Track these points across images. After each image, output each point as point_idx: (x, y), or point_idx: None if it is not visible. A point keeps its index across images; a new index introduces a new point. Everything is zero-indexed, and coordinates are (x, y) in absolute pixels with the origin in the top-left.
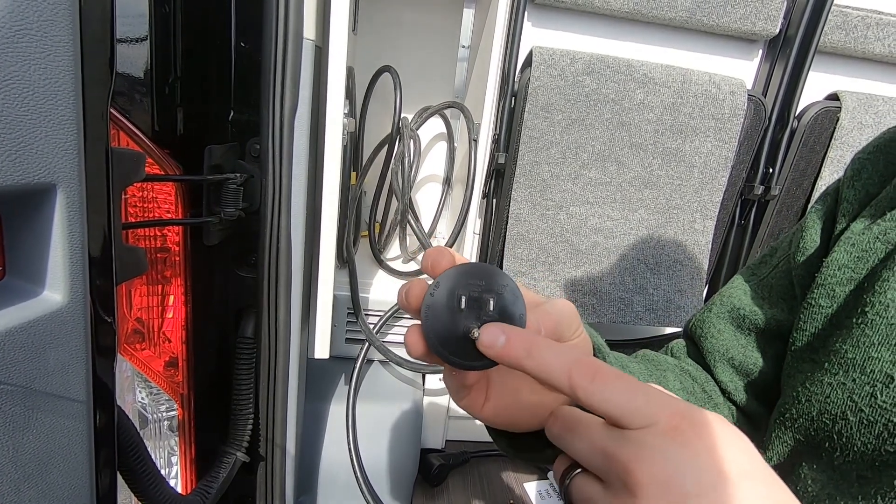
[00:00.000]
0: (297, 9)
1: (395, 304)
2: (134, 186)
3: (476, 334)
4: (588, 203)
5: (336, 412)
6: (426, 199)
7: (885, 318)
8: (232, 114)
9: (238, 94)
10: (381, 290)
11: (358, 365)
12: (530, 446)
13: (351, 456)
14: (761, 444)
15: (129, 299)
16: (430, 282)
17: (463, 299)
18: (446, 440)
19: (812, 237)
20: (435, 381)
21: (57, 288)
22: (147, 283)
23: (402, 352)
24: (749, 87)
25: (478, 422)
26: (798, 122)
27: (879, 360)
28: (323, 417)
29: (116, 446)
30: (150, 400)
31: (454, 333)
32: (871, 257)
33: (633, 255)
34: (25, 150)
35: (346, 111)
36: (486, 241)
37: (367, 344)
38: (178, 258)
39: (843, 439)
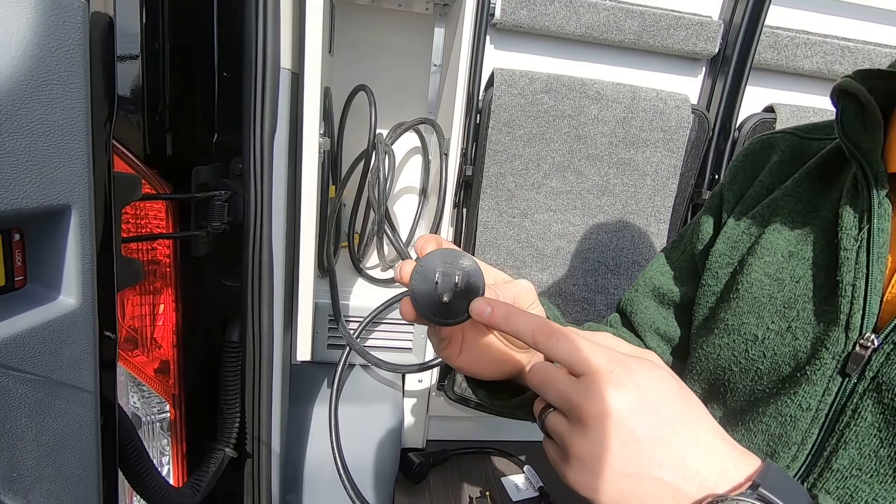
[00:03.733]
0: (274, 42)
1: (375, 310)
2: (129, 205)
3: (446, 299)
4: (551, 210)
5: (320, 414)
6: (404, 209)
7: (750, 293)
8: (216, 136)
9: (222, 118)
10: (361, 297)
11: (339, 369)
12: (502, 396)
13: (334, 455)
14: None
15: (122, 308)
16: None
17: (438, 274)
18: (427, 440)
19: (706, 230)
20: (414, 382)
21: (70, 293)
22: (139, 293)
23: (381, 354)
24: (694, 101)
25: (458, 421)
26: (739, 133)
27: (748, 324)
28: (307, 420)
29: (118, 433)
30: (142, 403)
31: (432, 299)
32: (741, 246)
33: (595, 257)
34: (47, 177)
35: (321, 131)
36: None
37: (348, 349)
38: (168, 269)
39: (731, 384)
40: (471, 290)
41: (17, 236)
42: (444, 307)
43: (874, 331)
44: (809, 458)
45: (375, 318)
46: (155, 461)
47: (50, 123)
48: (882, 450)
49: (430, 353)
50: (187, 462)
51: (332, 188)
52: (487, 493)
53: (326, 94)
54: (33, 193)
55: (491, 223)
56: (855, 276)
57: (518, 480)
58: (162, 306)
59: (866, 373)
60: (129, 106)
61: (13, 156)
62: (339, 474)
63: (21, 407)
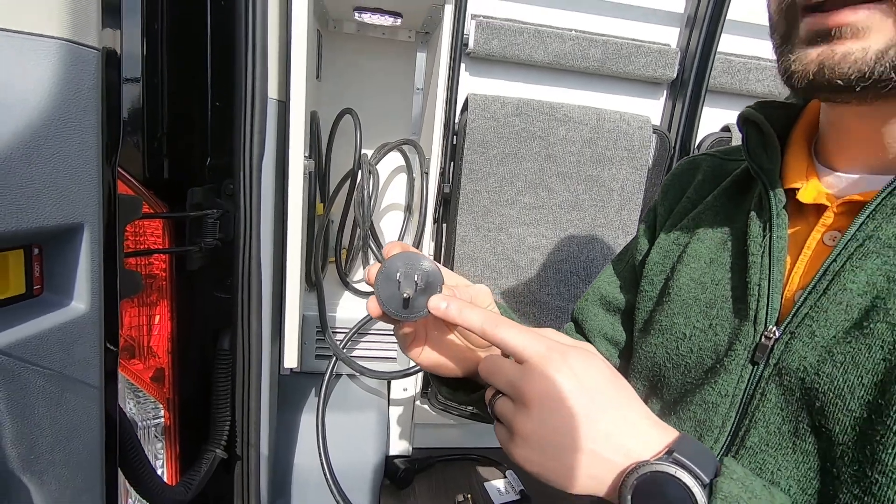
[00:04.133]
0: (262, 74)
1: (360, 321)
2: (131, 223)
3: (406, 295)
4: (524, 224)
5: (307, 422)
6: (390, 225)
7: (679, 296)
8: (209, 160)
9: (214, 144)
10: (348, 309)
11: (326, 378)
12: (462, 392)
13: (321, 461)
14: None
15: (121, 319)
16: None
17: (400, 274)
18: (413, 447)
19: (644, 241)
20: (399, 390)
21: (81, 300)
22: (137, 304)
23: (366, 364)
24: (657, 122)
25: (443, 429)
26: (698, 150)
27: (678, 324)
28: (295, 427)
29: (118, 427)
30: (138, 408)
31: (395, 297)
32: (672, 255)
33: (567, 268)
34: (64, 200)
35: (306, 154)
36: (437, 261)
37: (334, 359)
38: (164, 282)
39: (665, 379)
40: (430, 288)
41: (36, 251)
42: (406, 304)
43: (776, 324)
44: (728, 438)
45: (361, 329)
46: None
47: (67, 154)
48: (784, 426)
49: (413, 362)
50: (180, 464)
51: (320, 206)
52: (470, 495)
53: (314, 118)
54: (52, 214)
55: (469, 237)
56: (760, 277)
57: (500, 485)
58: (158, 317)
59: (770, 360)
60: (131, 133)
61: (37, 182)
62: (326, 479)
63: (39, 398)
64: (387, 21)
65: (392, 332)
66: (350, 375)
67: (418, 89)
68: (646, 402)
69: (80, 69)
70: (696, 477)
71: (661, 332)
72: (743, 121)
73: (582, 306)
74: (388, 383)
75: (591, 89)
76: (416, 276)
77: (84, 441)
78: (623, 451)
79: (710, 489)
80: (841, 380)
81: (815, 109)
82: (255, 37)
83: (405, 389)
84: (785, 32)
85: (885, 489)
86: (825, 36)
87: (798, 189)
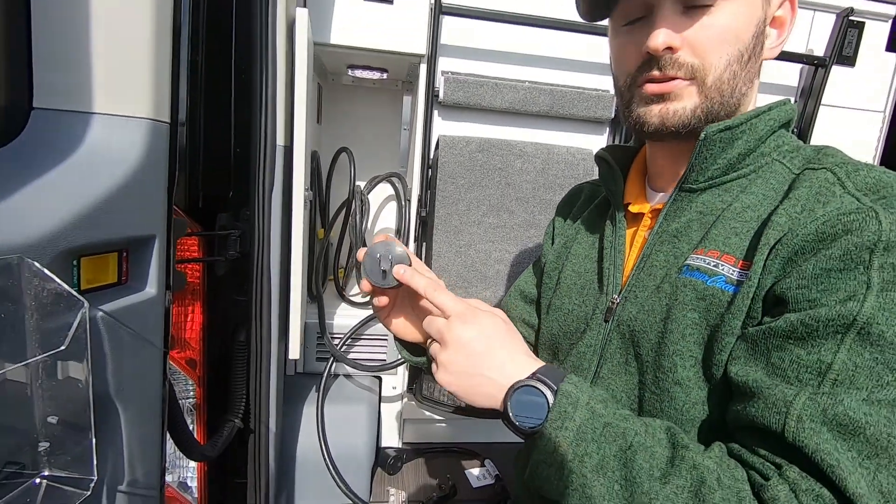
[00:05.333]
0: (272, 127)
1: (354, 327)
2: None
3: (383, 267)
4: (490, 241)
5: (308, 414)
6: None
7: (566, 283)
8: (231, 192)
9: (235, 180)
10: (344, 317)
11: (325, 377)
12: (419, 353)
13: (321, 447)
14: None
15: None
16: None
17: (378, 255)
18: (403, 441)
19: (546, 247)
20: (389, 388)
21: (152, 287)
22: (178, 304)
23: (358, 362)
24: None
25: (430, 424)
26: None
27: (565, 304)
28: (298, 418)
29: (167, 386)
30: (176, 387)
31: (376, 271)
32: (563, 255)
33: None
34: (145, 219)
35: (307, 187)
36: None
37: (332, 360)
38: (198, 286)
39: (558, 345)
40: (401, 263)
41: (125, 253)
42: (384, 276)
43: (618, 293)
44: (592, 374)
45: (354, 334)
46: None
47: (148, 191)
48: (620, 359)
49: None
50: (206, 435)
51: (320, 231)
52: (448, 476)
53: (315, 157)
54: (138, 228)
55: (443, 252)
56: (608, 263)
57: (479, 472)
58: (192, 313)
59: (613, 318)
60: (179, 173)
61: (130, 208)
62: (325, 462)
63: (127, 350)
64: (375, 75)
65: (379, 336)
66: (346, 375)
67: (405, 129)
68: (549, 362)
69: (157, 136)
70: (547, 385)
71: (555, 311)
72: (597, 159)
73: (508, 301)
74: (380, 382)
75: (543, 128)
76: (390, 256)
77: (152, 382)
78: (507, 375)
79: (556, 391)
80: (647, 321)
81: (645, 151)
82: (267, 100)
83: (394, 388)
84: (629, 98)
85: (664, 383)
86: (661, 99)
87: (630, 203)
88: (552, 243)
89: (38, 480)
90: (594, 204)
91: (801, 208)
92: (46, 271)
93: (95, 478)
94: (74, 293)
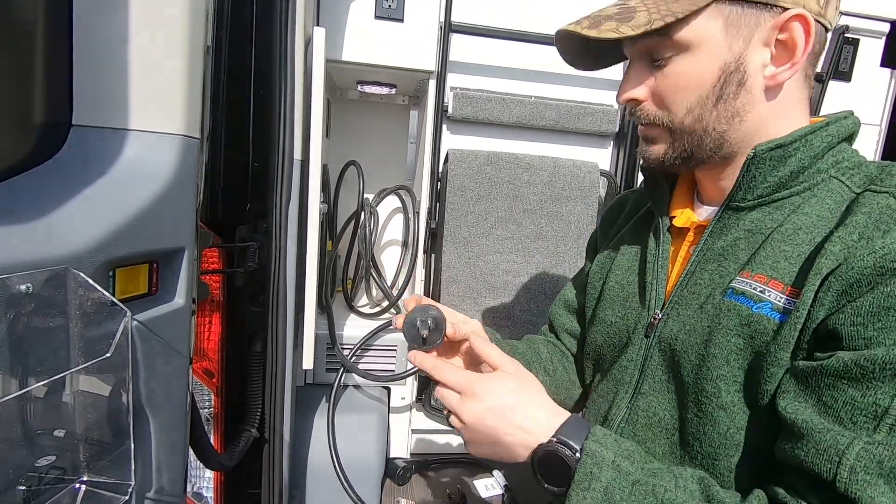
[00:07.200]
0: (290, 142)
1: (363, 338)
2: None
3: (424, 334)
4: (498, 252)
5: (319, 424)
6: (389, 258)
7: (609, 295)
8: (249, 206)
9: (254, 194)
10: (353, 328)
11: (335, 388)
12: None
13: (332, 456)
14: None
15: (196, 312)
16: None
17: (418, 321)
18: (411, 452)
19: (590, 258)
20: (398, 399)
21: (181, 297)
22: (199, 314)
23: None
24: (606, 166)
25: (438, 435)
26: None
27: (608, 315)
28: (309, 428)
29: (190, 395)
30: (196, 397)
31: (416, 338)
32: (606, 266)
33: (535, 287)
34: (175, 232)
35: (321, 199)
36: (428, 285)
37: (342, 370)
38: (218, 297)
39: (602, 356)
40: (438, 327)
41: (155, 264)
42: (424, 341)
43: (661, 309)
44: (633, 389)
45: (364, 345)
46: None
47: (178, 205)
48: (661, 376)
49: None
50: (223, 445)
51: (329, 243)
52: (458, 486)
53: (325, 171)
54: (168, 240)
55: (453, 264)
56: (651, 278)
57: (488, 482)
58: (211, 323)
59: (655, 334)
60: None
61: (162, 221)
62: (336, 470)
63: (156, 357)
64: (383, 91)
65: (388, 347)
66: (355, 386)
67: (412, 142)
68: (593, 373)
69: (188, 151)
70: (570, 448)
71: (599, 322)
72: (643, 169)
73: (553, 310)
74: (388, 392)
75: (549, 142)
76: (428, 320)
77: (178, 389)
78: (531, 437)
79: (581, 450)
80: (688, 341)
81: None
82: (286, 116)
83: (403, 398)
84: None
85: (707, 406)
86: (644, 140)
87: (675, 217)
88: (595, 253)
89: (78, 485)
90: (639, 215)
91: (858, 236)
92: (91, 281)
93: (133, 483)
94: (118, 302)
